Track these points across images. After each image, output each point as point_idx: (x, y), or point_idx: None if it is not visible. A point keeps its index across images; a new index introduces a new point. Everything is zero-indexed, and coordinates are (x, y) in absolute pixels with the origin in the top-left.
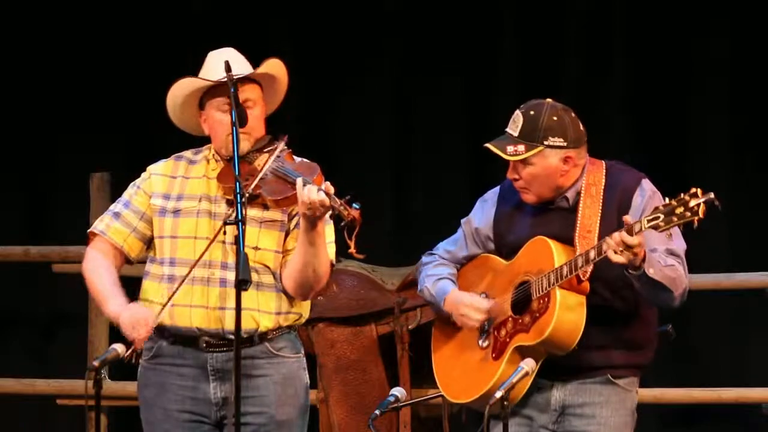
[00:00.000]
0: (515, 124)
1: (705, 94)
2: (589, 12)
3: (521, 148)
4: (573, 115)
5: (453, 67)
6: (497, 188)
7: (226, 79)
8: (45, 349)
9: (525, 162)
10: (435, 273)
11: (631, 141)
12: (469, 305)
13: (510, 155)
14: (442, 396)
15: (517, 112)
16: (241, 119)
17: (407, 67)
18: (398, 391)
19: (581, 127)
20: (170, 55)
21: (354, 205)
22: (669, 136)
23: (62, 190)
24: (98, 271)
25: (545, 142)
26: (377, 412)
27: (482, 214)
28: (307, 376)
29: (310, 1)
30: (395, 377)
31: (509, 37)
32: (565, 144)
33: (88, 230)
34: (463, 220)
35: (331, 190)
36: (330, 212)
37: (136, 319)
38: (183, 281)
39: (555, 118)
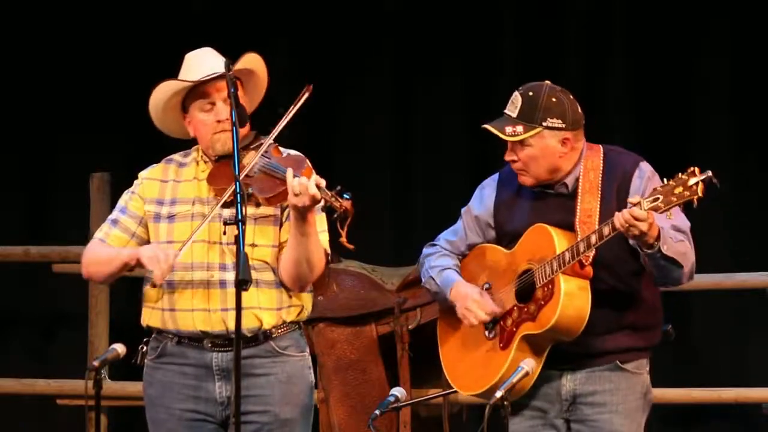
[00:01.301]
0: (513, 105)
1: (705, 94)
2: (589, 12)
3: (520, 128)
4: (571, 97)
5: (453, 67)
6: (496, 175)
7: (206, 79)
8: (45, 349)
9: (523, 143)
10: (439, 264)
11: (631, 141)
12: (478, 302)
13: (508, 136)
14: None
15: (516, 93)
16: (241, 119)
17: (407, 67)
18: (398, 391)
19: (579, 110)
20: (170, 56)
21: (344, 195)
22: (669, 137)
23: (62, 190)
24: (99, 248)
25: (544, 123)
26: (377, 412)
27: (481, 201)
28: (312, 375)
29: (309, 1)
30: (395, 377)
31: (509, 37)
32: (563, 126)
33: (88, 240)
34: (462, 209)
35: (322, 182)
36: (321, 204)
37: (156, 254)
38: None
39: (554, 100)
